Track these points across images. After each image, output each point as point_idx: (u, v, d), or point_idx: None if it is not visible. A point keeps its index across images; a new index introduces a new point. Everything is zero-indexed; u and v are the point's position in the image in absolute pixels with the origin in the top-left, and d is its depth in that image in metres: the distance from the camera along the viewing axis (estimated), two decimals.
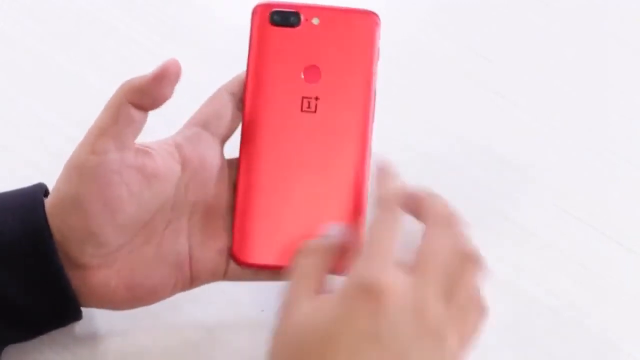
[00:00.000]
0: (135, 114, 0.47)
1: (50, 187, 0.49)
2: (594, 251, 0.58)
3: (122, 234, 0.48)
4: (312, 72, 0.51)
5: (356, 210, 0.50)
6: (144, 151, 0.48)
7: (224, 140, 0.52)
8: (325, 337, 0.43)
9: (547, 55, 0.66)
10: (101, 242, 0.47)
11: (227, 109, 0.51)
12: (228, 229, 0.50)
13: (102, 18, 0.65)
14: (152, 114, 0.52)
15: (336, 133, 0.50)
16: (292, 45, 0.51)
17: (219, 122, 0.51)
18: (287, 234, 0.50)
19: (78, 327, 0.53)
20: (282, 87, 0.50)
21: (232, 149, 0.52)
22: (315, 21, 0.51)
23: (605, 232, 0.59)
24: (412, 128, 0.63)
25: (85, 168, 0.46)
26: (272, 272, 0.50)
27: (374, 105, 0.51)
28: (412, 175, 0.61)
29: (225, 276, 0.51)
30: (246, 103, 0.51)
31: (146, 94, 0.47)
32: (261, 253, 0.50)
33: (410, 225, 0.48)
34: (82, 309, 0.49)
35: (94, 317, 0.54)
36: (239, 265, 0.50)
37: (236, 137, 0.51)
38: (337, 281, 0.45)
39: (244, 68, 0.51)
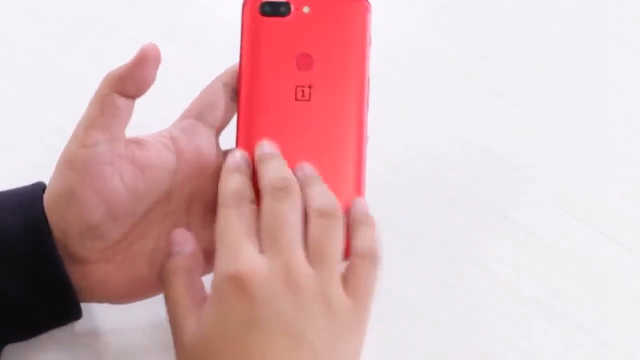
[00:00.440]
0: (121, 102, 0.47)
1: None
2: (594, 251, 0.58)
3: (120, 226, 0.48)
4: (305, 60, 0.51)
5: (355, 195, 0.50)
6: (136, 142, 0.48)
7: (219, 131, 0.52)
8: (212, 345, 0.43)
9: (547, 55, 0.66)
10: (100, 235, 0.47)
11: (221, 100, 0.51)
12: None
13: (102, 18, 0.65)
14: (152, 113, 0.52)
15: (331, 120, 0.50)
16: (284, 35, 0.51)
17: (213, 113, 0.51)
18: None
19: (77, 326, 0.53)
20: (276, 77, 0.51)
21: (227, 140, 0.52)
22: (305, 10, 0.51)
23: (605, 232, 0.59)
24: (412, 128, 0.63)
25: (77, 162, 0.47)
26: None
27: (368, 91, 0.51)
28: (412, 175, 0.61)
29: None
30: (240, 94, 0.51)
31: (129, 81, 0.47)
32: None
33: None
34: (82, 308, 0.50)
35: (94, 316, 0.54)
36: None
37: (231, 128, 0.51)
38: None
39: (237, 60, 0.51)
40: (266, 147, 0.49)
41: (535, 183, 0.61)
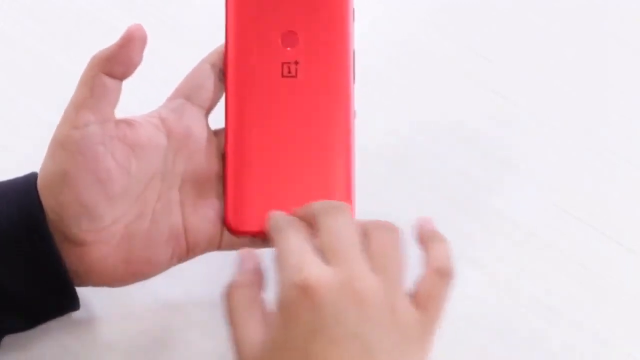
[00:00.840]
0: (109, 82, 0.47)
1: None
2: (594, 251, 0.58)
3: (115, 207, 0.48)
4: (290, 37, 0.51)
5: (344, 170, 0.51)
6: (126, 122, 0.49)
7: (208, 110, 0.52)
8: (276, 353, 0.43)
9: (547, 55, 0.66)
10: (95, 216, 0.47)
11: (209, 80, 0.52)
12: (220, 198, 0.51)
13: (102, 18, 0.65)
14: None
15: (319, 95, 0.51)
16: (268, 13, 0.51)
17: (201, 93, 0.52)
18: (278, 199, 0.50)
19: (76, 316, 0.53)
20: (261, 55, 0.51)
21: (216, 120, 0.52)
22: None
23: (605, 232, 0.59)
24: (411, 128, 0.63)
25: (69, 143, 0.47)
26: (267, 239, 0.50)
27: (354, 65, 0.51)
28: (411, 175, 0.61)
29: (221, 245, 0.51)
30: (227, 73, 0.51)
31: (116, 61, 0.47)
32: (253, 220, 0.50)
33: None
34: (81, 298, 0.50)
35: (93, 305, 0.54)
36: (232, 234, 0.51)
37: (220, 108, 0.52)
38: None
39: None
40: None
41: (535, 183, 0.61)
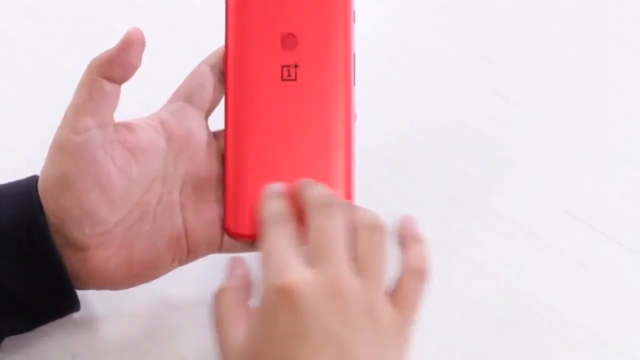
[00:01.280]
0: (109, 87, 0.47)
1: None
2: (594, 251, 0.58)
3: (116, 210, 0.48)
4: (290, 40, 0.51)
5: (344, 173, 0.50)
6: (125, 126, 0.49)
7: (208, 112, 0.52)
8: (257, 356, 0.43)
9: (547, 55, 0.66)
10: (97, 220, 0.47)
11: (209, 82, 0.52)
12: (219, 201, 0.51)
13: (102, 18, 0.65)
14: (153, 111, 0.52)
15: (318, 99, 0.51)
16: (268, 15, 0.51)
17: (201, 96, 0.51)
18: None
19: (77, 316, 0.53)
20: (261, 58, 0.51)
21: (217, 122, 0.52)
22: None
23: (605, 232, 0.59)
24: (411, 128, 0.63)
25: (70, 147, 0.47)
26: None
27: (354, 68, 0.51)
28: (411, 175, 0.61)
29: (221, 248, 0.51)
30: (227, 75, 0.51)
31: (115, 65, 0.47)
32: (252, 224, 0.50)
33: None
34: (81, 298, 0.50)
35: (93, 305, 0.54)
36: (231, 237, 0.51)
37: (221, 109, 0.52)
38: None
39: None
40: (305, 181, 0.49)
41: (535, 183, 0.61)
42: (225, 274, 0.48)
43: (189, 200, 0.51)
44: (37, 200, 0.47)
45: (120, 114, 0.49)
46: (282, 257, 0.44)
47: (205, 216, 0.51)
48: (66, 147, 0.47)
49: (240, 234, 0.50)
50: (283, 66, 0.51)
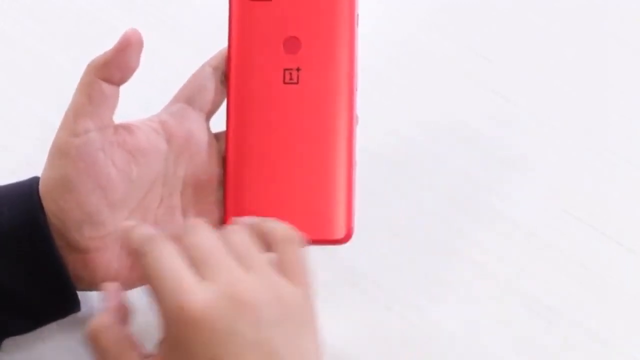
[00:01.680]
0: (107, 89, 0.47)
1: None
2: (594, 251, 0.58)
3: (117, 213, 0.48)
4: (292, 43, 0.51)
5: (345, 177, 0.50)
6: (125, 128, 0.49)
7: (209, 114, 0.52)
8: None
9: (547, 55, 0.66)
10: (97, 222, 0.47)
11: (211, 84, 0.51)
12: (220, 202, 0.51)
13: (102, 18, 0.65)
14: (152, 113, 0.52)
15: (320, 103, 0.51)
16: (271, 18, 0.51)
17: (203, 97, 0.51)
18: (279, 206, 0.50)
19: (75, 317, 0.53)
20: (264, 60, 0.51)
21: (219, 124, 0.52)
22: None
23: (605, 232, 0.59)
24: (411, 128, 0.63)
25: (69, 150, 0.47)
26: None
27: (357, 72, 0.51)
28: (411, 176, 0.61)
29: None
30: (230, 77, 0.51)
31: (114, 67, 0.47)
32: None
33: None
34: (82, 298, 0.50)
35: (92, 309, 0.54)
36: None
37: (223, 111, 0.52)
38: None
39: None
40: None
41: (535, 183, 0.61)
42: (101, 304, 0.45)
43: (189, 202, 0.51)
44: (38, 201, 0.47)
45: (120, 114, 0.49)
46: (174, 278, 0.41)
47: (206, 218, 0.51)
48: (66, 150, 0.47)
49: None
50: (285, 69, 0.51)
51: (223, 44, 0.52)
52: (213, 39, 0.53)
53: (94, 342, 0.43)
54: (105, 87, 0.47)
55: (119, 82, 0.48)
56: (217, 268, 0.42)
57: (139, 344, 0.44)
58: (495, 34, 0.67)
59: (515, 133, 0.62)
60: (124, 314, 0.45)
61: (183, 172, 0.50)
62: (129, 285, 0.50)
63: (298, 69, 0.51)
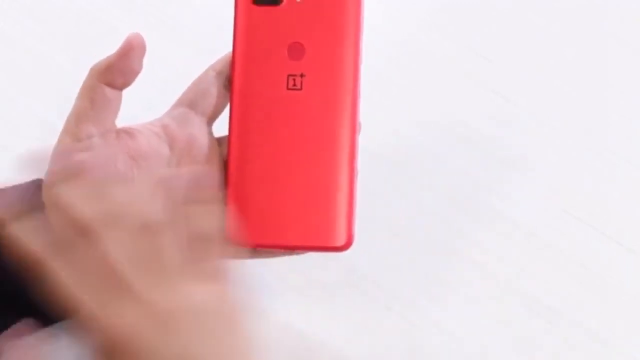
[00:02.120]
0: (110, 93, 0.47)
1: None
2: (594, 251, 0.58)
3: None
4: (297, 49, 0.51)
5: (346, 184, 0.50)
6: (127, 132, 0.49)
7: (211, 119, 0.52)
8: None
9: (547, 55, 0.66)
10: None
11: (214, 88, 0.51)
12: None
13: (102, 18, 0.65)
14: (153, 113, 0.52)
15: (323, 110, 0.50)
16: (276, 24, 0.51)
17: (205, 101, 0.51)
18: (280, 213, 0.50)
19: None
20: (267, 66, 0.50)
21: (222, 128, 0.52)
22: None
23: (605, 232, 0.59)
24: (411, 128, 0.63)
25: (71, 156, 0.46)
26: (268, 249, 0.50)
27: (360, 80, 0.51)
28: (411, 175, 0.61)
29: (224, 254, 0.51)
30: (233, 82, 0.51)
31: (116, 71, 0.47)
32: (255, 233, 0.50)
33: None
34: None
35: None
36: (232, 245, 0.50)
37: (226, 115, 0.52)
38: None
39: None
40: None
41: (535, 183, 0.61)
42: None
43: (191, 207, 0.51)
44: (42, 203, 0.47)
45: (119, 114, 0.49)
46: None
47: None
48: (68, 155, 0.47)
49: (240, 242, 0.50)
50: (289, 75, 0.50)
51: (223, 44, 0.52)
52: (213, 38, 0.53)
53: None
54: (108, 91, 0.47)
55: (121, 87, 0.48)
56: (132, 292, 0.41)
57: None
58: (495, 34, 0.67)
59: (515, 133, 0.63)
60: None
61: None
62: None
63: (302, 75, 0.50)
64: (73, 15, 0.66)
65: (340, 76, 0.50)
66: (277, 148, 0.50)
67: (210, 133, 0.51)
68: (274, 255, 0.50)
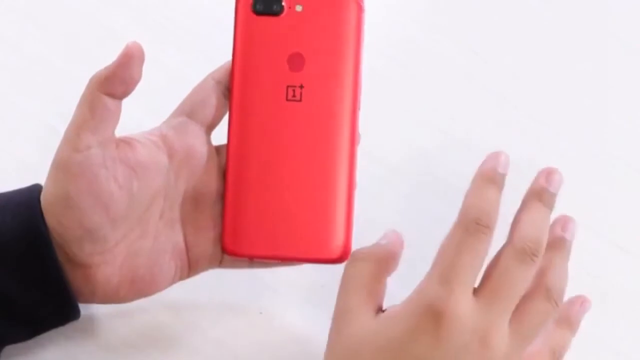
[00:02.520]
0: (110, 103, 0.47)
1: None
2: (593, 252, 0.58)
3: (118, 228, 0.48)
4: (297, 60, 0.51)
5: (344, 196, 0.50)
6: (126, 142, 0.49)
7: (210, 128, 0.52)
8: (384, 357, 0.44)
9: (547, 56, 0.66)
10: (98, 238, 0.47)
11: (213, 97, 0.51)
12: (219, 217, 0.51)
13: (101, 20, 0.65)
14: (152, 117, 0.52)
15: (322, 122, 0.50)
16: (276, 34, 0.51)
17: (204, 111, 0.51)
18: (277, 224, 0.50)
19: (76, 322, 0.53)
20: (267, 77, 0.50)
21: (221, 137, 0.52)
22: (298, 8, 0.50)
23: (605, 233, 0.59)
24: (411, 128, 0.63)
25: (72, 166, 0.47)
26: (264, 260, 0.50)
27: (360, 91, 0.51)
28: (411, 176, 0.61)
29: (221, 263, 0.51)
30: (232, 92, 0.51)
31: (116, 81, 0.47)
32: (251, 244, 0.50)
33: None
34: (80, 306, 0.50)
35: (92, 311, 0.54)
36: (228, 255, 0.51)
37: (225, 124, 0.52)
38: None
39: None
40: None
41: None
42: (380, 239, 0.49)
43: (189, 216, 0.51)
44: (39, 213, 0.47)
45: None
46: (455, 277, 0.45)
47: (206, 232, 0.51)
48: (67, 166, 0.47)
49: (236, 253, 0.50)
50: (288, 86, 0.50)
51: (223, 49, 0.52)
52: (211, 40, 0.53)
53: (349, 266, 0.48)
54: (108, 101, 0.47)
55: (121, 96, 0.48)
56: (496, 307, 0.45)
57: (381, 294, 0.48)
58: (494, 34, 0.67)
59: (514, 134, 0.62)
60: (389, 259, 0.49)
61: (184, 186, 0.50)
62: (128, 298, 0.50)
63: (301, 87, 0.50)
64: (72, 18, 0.66)
65: (340, 88, 0.50)
66: (276, 159, 0.50)
67: (209, 142, 0.51)
68: (270, 265, 0.51)
